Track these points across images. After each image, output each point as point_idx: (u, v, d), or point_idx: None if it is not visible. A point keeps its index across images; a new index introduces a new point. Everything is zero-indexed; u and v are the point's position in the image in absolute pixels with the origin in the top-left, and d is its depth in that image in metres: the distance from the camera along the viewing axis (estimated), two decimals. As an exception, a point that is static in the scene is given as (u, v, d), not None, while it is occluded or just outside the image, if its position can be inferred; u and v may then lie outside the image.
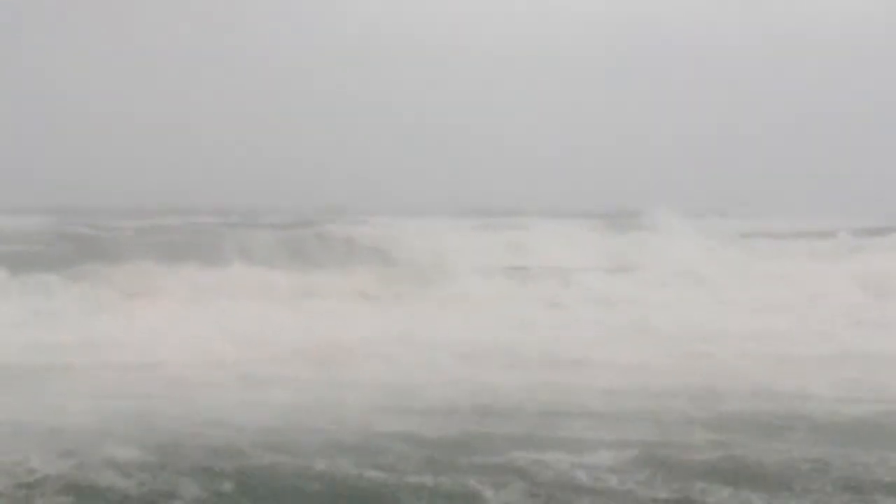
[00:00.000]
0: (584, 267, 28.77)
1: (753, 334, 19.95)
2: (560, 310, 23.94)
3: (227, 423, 12.04)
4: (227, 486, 9.53)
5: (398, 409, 13.02)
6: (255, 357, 16.54)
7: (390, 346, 18.01)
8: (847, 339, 19.30)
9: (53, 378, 14.82)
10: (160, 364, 15.80)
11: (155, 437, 11.17)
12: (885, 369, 16.16)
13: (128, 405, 13.05)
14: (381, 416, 12.56)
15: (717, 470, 10.07)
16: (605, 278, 27.74)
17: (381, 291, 24.77)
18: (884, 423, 12.43)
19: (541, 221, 36.27)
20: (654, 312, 23.24)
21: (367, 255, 28.42)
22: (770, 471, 10.07)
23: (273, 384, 14.70)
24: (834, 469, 10.08)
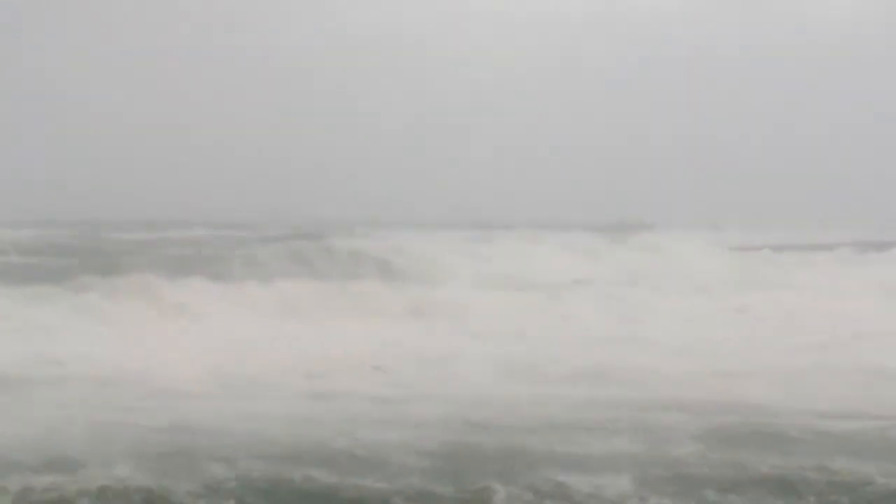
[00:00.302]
0: (589, 279, 28.75)
1: (757, 346, 19.92)
2: (564, 322, 23.78)
3: (227, 435, 12.00)
4: (227, 498, 9.55)
5: (396, 422, 12.93)
6: (257, 370, 16.44)
7: (392, 358, 17.89)
8: (851, 351, 19.12)
9: (49, 390, 14.67)
10: (159, 377, 15.65)
11: (151, 448, 11.17)
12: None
13: (124, 417, 12.96)
14: (379, 428, 12.47)
15: (713, 481, 10.09)
16: (611, 290, 27.71)
17: (386, 304, 24.70)
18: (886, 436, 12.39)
19: (545, 233, 36.22)
20: (657, 324, 23.25)
21: (372, 268, 28.38)
22: (771, 480, 10.09)
23: (275, 396, 14.65)
24: (837, 479, 10.12)
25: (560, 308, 25.65)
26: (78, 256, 28.49)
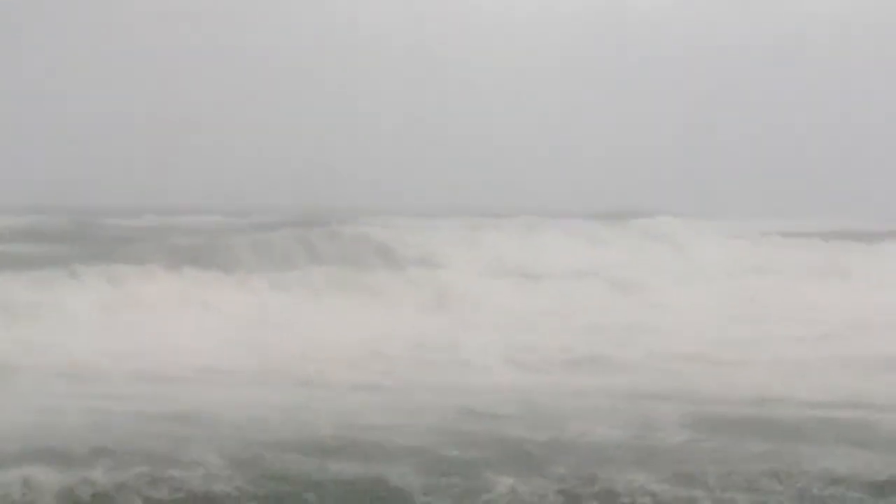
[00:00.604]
0: (594, 265, 28.62)
1: (762, 334, 19.87)
2: (569, 309, 23.61)
3: (226, 423, 11.97)
4: (224, 485, 9.55)
5: (395, 410, 12.90)
6: (258, 357, 16.40)
7: (395, 345, 17.91)
8: (857, 341, 19.07)
9: (44, 377, 14.62)
10: (159, 365, 15.59)
11: (149, 436, 11.14)
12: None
13: (121, 405, 12.88)
14: (377, 417, 12.46)
15: (710, 470, 10.09)
16: (616, 277, 27.61)
17: (390, 292, 24.54)
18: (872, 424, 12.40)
19: (548, 222, 36.08)
20: (663, 312, 23.22)
21: (377, 255, 28.28)
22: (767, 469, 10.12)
23: (275, 384, 14.63)
24: (833, 467, 10.14)
25: (565, 295, 25.56)
26: (77, 243, 28.29)
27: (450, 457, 10.59)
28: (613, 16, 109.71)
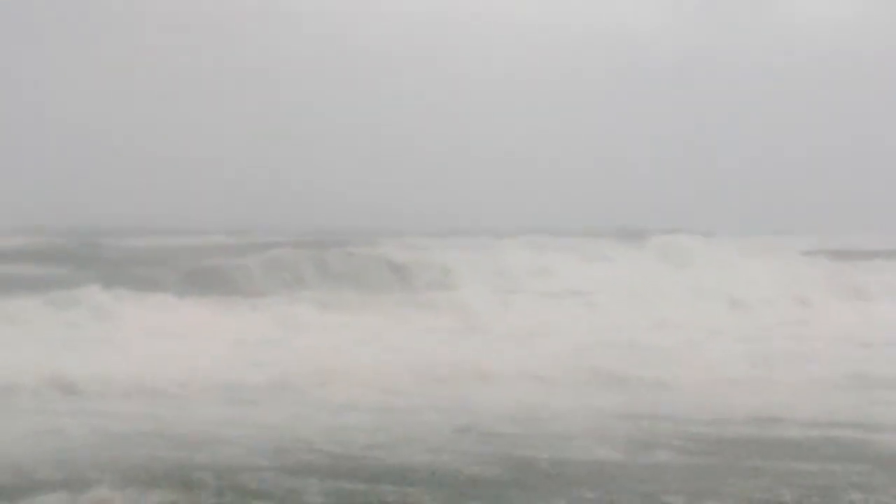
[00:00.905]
0: (609, 283, 28.62)
1: (774, 355, 19.75)
2: (582, 328, 23.57)
3: (224, 443, 11.96)
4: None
5: (397, 430, 12.87)
6: (262, 379, 16.31)
7: (409, 367, 17.63)
8: (836, 361, 18.99)
9: (43, 400, 14.67)
10: (156, 387, 15.56)
11: (160, 462, 11.09)
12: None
13: (120, 426, 12.89)
14: (387, 436, 12.44)
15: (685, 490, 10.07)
16: (629, 295, 27.63)
17: (406, 313, 24.53)
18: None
19: (563, 240, 36.07)
20: (675, 330, 23.19)
21: (392, 275, 28.31)
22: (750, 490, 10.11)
23: (291, 407, 14.57)
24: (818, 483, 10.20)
25: (579, 313, 25.61)
26: (88, 265, 28.11)
27: (468, 476, 10.55)
28: (620, 29, 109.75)
